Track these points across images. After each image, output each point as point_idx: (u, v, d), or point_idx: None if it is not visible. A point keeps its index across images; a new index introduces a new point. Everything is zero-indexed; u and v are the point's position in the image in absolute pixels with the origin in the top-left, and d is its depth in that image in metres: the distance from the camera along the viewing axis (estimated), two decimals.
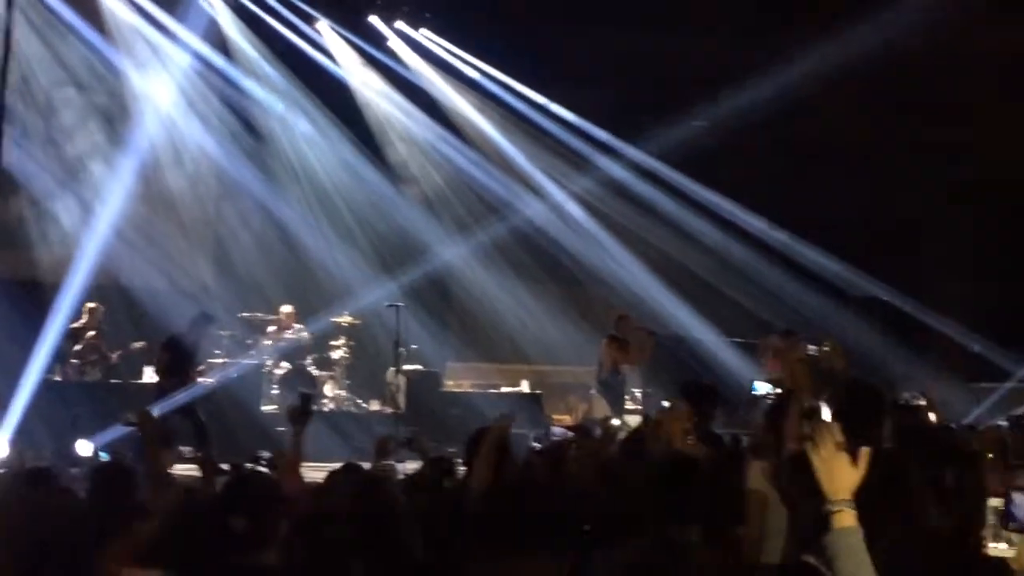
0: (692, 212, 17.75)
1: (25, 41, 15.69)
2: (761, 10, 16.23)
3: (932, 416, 7.45)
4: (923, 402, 7.99)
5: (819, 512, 3.27)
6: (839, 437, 3.28)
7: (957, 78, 16.22)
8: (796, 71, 15.64)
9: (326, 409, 15.56)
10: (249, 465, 6.78)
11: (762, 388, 14.25)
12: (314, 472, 6.54)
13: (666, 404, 5.64)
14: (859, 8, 14.72)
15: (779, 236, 17.59)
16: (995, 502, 5.80)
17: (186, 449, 11.23)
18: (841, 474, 3.23)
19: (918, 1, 14.19)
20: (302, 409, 6.12)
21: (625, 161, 18.08)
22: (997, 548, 5.73)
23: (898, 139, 17.03)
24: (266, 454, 7.28)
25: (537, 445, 8.91)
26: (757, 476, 5.78)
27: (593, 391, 14.84)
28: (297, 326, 16.22)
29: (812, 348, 12.68)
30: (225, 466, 6.45)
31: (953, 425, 9.52)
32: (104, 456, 11.26)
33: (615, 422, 7.95)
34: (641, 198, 17.95)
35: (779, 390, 13.53)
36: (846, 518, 3.20)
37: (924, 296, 17.02)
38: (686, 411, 6.13)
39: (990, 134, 16.22)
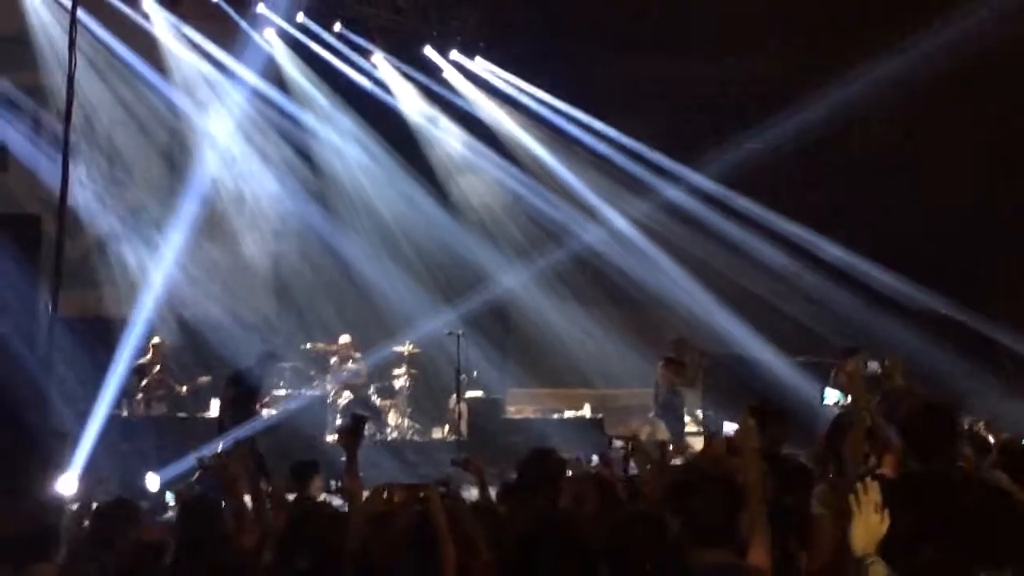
0: (750, 232, 17.66)
1: (87, 82, 15.98)
2: (814, 30, 16.17)
3: None
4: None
5: None
6: (878, 497, 3.70)
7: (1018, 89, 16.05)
8: (852, 89, 15.56)
9: (389, 438, 15.63)
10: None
11: (832, 397, 14.17)
12: None
13: (731, 425, 5.56)
14: (915, 22, 14.64)
15: (839, 253, 17.44)
16: None
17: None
18: (874, 530, 3.68)
19: (979, 13, 14.08)
20: (353, 429, 6.08)
21: (682, 184, 18.04)
22: None
23: (960, 152, 16.84)
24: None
25: (596, 460, 8.89)
26: (818, 499, 5.73)
27: (652, 414, 14.79)
28: (356, 355, 16.31)
29: (874, 364, 12.55)
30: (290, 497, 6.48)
31: None
32: (169, 493, 11.43)
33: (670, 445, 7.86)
34: (698, 220, 17.89)
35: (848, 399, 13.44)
36: (878, 570, 3.65)
37: (990, 311, 16.79)
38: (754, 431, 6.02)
39: None
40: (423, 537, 4.75)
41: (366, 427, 14.48)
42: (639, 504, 5.71)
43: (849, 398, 13.57)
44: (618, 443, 6.43)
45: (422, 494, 5.14)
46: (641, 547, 4.20)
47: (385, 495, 5.32)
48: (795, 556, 5.01)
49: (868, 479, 3.75)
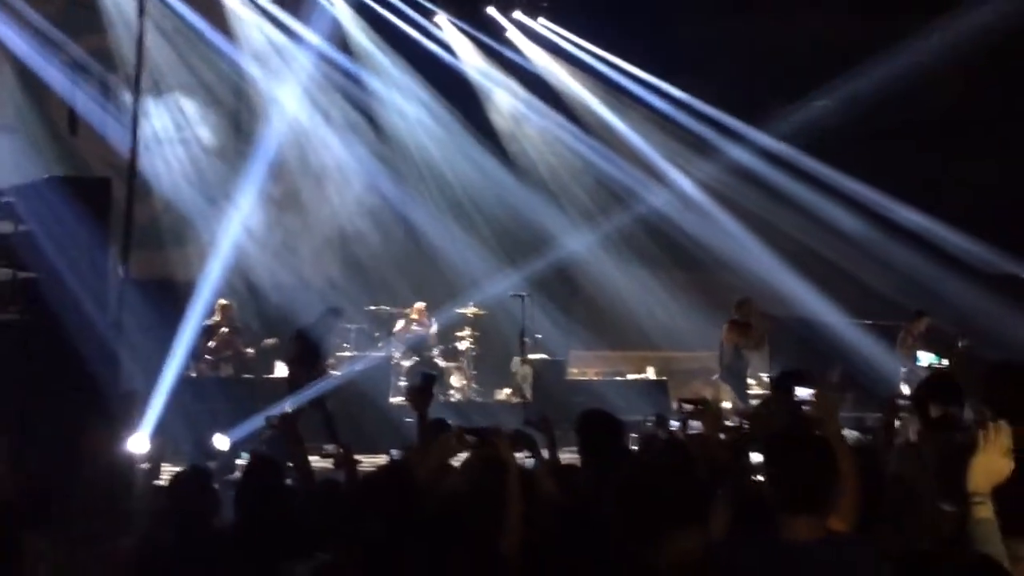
0: (819, 193, 17.45)
1: (155, 47, 16.12)
2: None
3: None
4: None
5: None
6: (1008, 441, 3.56)
7: None
8: (923, 45, 15.30)
9: (453, 400, 15.71)
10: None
11: (925, 359, 14.06)
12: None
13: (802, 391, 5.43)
14: None
15: (908, 214, 17.19)
16: None
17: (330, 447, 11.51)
18: (992, 474, 3.53)
19: None
20: (422, 387, 6.03)
21: (749, 145, 17.86)
22: None
23: None
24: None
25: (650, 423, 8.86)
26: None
27: (716, 376, 14.76)
28: (425, 320, 16.40)
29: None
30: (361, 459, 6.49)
31: None
32: (243, 452, 11.58)
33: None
34: (765, 181, 17.71)
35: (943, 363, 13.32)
36: (985, 510, 3.49)
37: None
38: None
39: None
40: (489, 479, 4.73)
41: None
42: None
43: (943, 361, 13.48)
44: (688, 406, 6.35)
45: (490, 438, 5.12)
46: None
47: (455, 441, 5.29)
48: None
49: (1001, 422, 3.63)
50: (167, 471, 9.38)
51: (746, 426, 5.92)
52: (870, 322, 16.12)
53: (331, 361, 14.30)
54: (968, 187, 16.73)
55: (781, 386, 6.19)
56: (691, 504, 3.96)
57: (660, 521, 3.89)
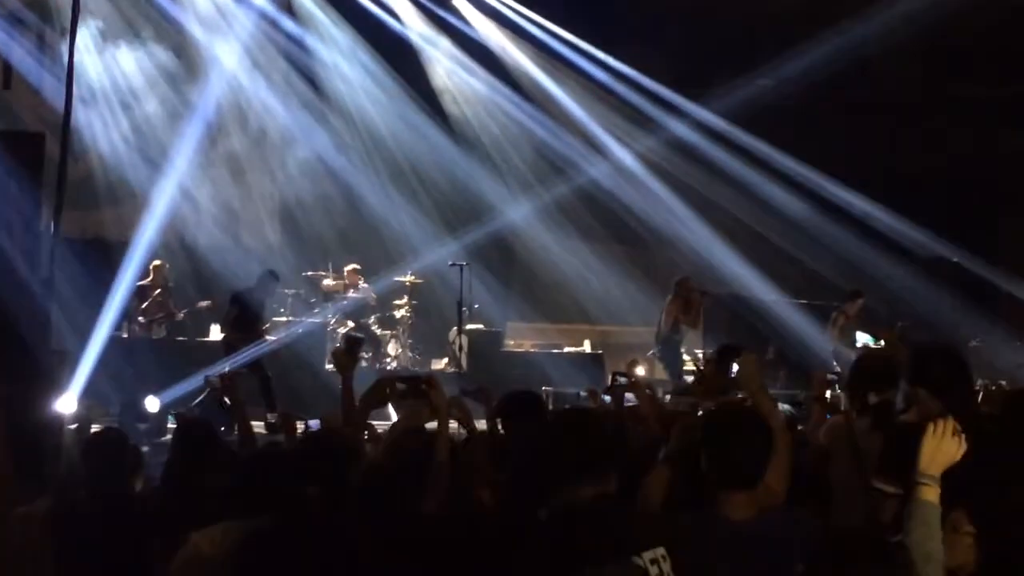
0: (758, 172, 17.55)
1: (94, 1, 15.83)
2: None
3: None
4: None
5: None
6: (957, 426, 3.56)
7: None
8: (865, 25, 15.40)
9: (389, 368, 15.65)
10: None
11: (862, 340, 14.21)
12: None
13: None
14: None
15: (846, 195, 17.35)
16: None
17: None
18: (943, 456, 3.52)
19: None
20: (348, 351, 5.93)
21: (690, 120, 17.89)
22: None
23: (973, 95, 16.70)
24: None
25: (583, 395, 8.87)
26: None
27: (652, 352, 14.83)
28: (362, 285, 16.28)
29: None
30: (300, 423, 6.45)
31: None
32: (170, 416, 11.47)
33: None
34: (706, 157, 17.76)
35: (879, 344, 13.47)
36: (931, 492, 3.48)
37: (995, 258, 16.76)
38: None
39: None
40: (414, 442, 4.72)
41: (364, 354, 14.59)
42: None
43: (881, 343, 13.65)
44: (621, 379, 6.36)
45: (424, 384, 5.08)
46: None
47: (388, 390, 5.26)
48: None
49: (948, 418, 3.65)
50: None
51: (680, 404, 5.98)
52: (805, 301, 16.27)
53: (268, 326, 14.17)
54: (905, 169, 16.93)
55: (721, 360, 6.22)
56: (585, 459, 3.92)
57: (553, 473, 3.93)
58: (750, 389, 4.84)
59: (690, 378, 14.49)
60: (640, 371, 8.07)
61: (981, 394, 7.69)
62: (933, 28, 14.97)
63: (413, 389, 5.10)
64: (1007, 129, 16.71)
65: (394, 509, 4.32)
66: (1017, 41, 15.92)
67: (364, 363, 15.47)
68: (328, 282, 16.38)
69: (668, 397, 8.40)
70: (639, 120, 18.16)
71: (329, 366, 14.80)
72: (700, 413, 5.56)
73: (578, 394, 11.60)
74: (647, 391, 6.41)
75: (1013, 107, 16.45)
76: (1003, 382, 12.29)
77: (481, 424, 5.92)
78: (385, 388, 5.27)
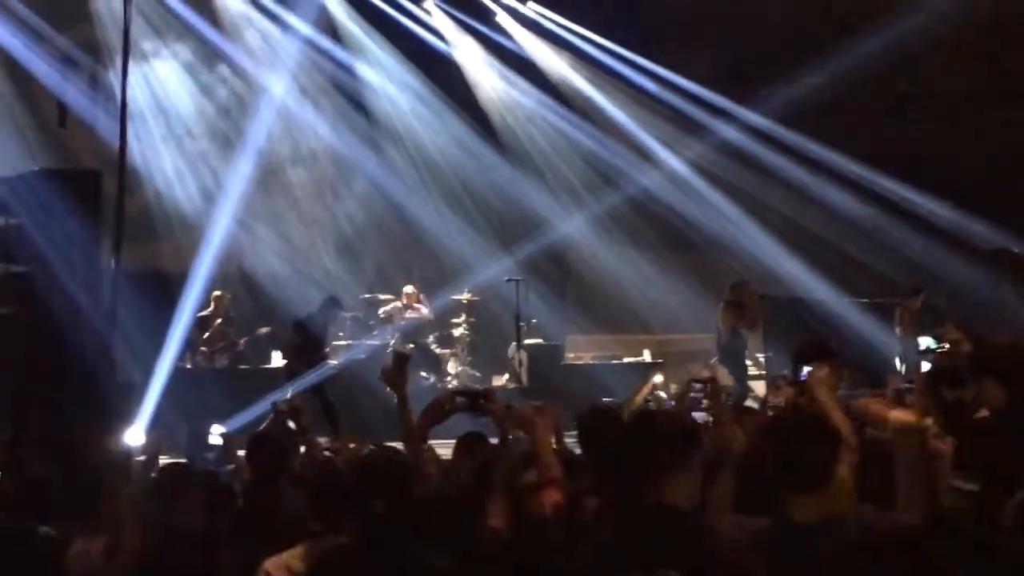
0: (810, 171, 17.42)
1: (143, 37, 16.06)
2: None
3: None
4: None
5: None
6: None
7: None
8: (917, 21, 15.24)
9: (450, 386, 15.68)
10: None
11: (924, 343, 14.01)
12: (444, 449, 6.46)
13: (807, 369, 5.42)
14: None
15: (903, 191, 17.16)
16: None
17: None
18: None
19: None
20: (396, 368, 5.80)
21: (738, 123, 17.81)
22: None
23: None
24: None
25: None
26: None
27: (715, 359, 14.73)
28: (420, 304, 16.35)
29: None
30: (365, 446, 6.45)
31: None
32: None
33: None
34: (756, 160, 17.67)
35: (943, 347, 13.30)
36: None
37: None
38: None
39: None
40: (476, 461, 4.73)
41: (423, 374, 14.62)
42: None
43: (944, 345, 13.49)
44: (697, 385, 6.30)
45: (482, 399, 5.09)
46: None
47: (448, 407, 5.25)
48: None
49: None
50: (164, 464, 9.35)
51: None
52: (865, 300, 16.09)
53: (328, 350, 14.26)
54: (961, 162, 16.70)
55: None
56: (680, 449, 4.02)
57: (650, 462, 3.99)
58: (820, 393, 4.82)
59: (756, 383, 14.42)
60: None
61: None
62: (985, 17, 14.81)
63: (472, 404, 5.10)
64: None
65: (458, 525, 4.32)
66: None
67: (426, 382, 15.53)
68: (387, 304, 16.46)
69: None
70: (687, 126, 18.11)
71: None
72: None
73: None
74: (718, 395, 6.36)
75: None
76: None
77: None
78: (444, 404, 5.27)
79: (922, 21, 15.15)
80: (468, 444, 5.77)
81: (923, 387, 6.19)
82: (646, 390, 7.41)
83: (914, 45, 15.41)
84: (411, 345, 16.04)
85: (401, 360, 5.90)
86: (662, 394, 6.41)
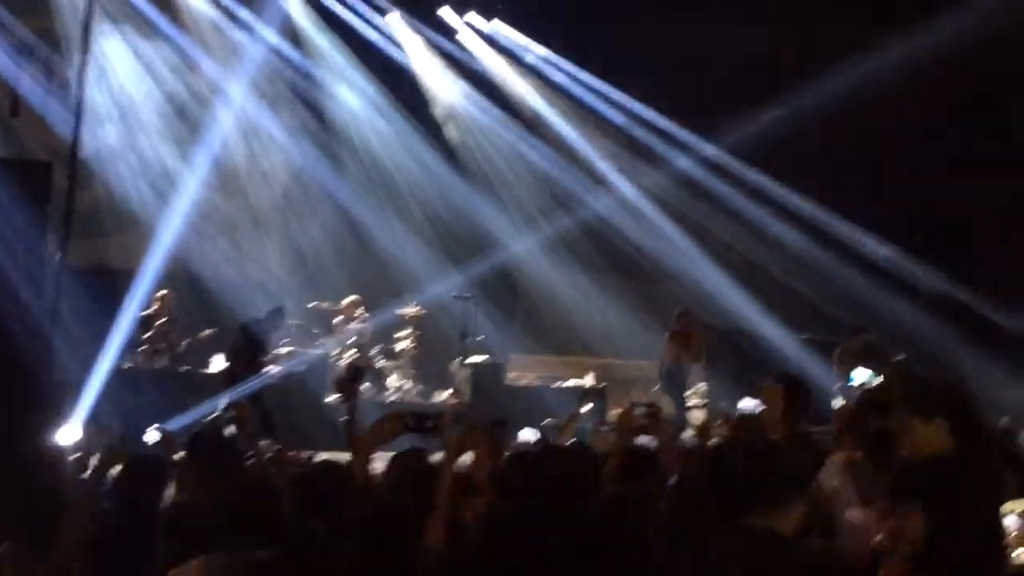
0: (762, 207, 17.59)
1: (102, 33, 15.93)
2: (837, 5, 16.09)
3: None
4: None
5: None
6: None
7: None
8: (870, 65, 15.45)
9: (391, 400, 15.63)
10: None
11: (860, 377, 14.12)
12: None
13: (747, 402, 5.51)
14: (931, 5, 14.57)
15: (851, 231, 17.37)
16: None
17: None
18: None
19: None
20: (351, 380, 5.85)
21: (694, 154, 17.96)
22: None
23: (977, 131, 16.74)
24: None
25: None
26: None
27: (657, 387, 14.81)
28: (363, 316, 16.28)
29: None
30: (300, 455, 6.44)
31: None
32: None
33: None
34: (709, 191, 17.82)
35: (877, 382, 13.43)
36: None
37: (999, 295, 16.75)
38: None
39: None
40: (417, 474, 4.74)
41: (366, 384, 14.57)
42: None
43: (879, 379, 13.62)
44: (639, 410, 6.33)
45: (431, 423, 5.08)
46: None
47: (398, 426, 5.23)
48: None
49: None
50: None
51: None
52: (808, 336, 16.24)
53: (270, 358, 14.17)
54: (909, 204, 16.94)
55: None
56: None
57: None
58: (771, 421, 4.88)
59: (694, 413, 14.50)
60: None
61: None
62: (940, 66, 15.04)
63: (419, 427, 5.10)
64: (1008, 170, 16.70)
65: (396, 542, 4.33)
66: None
67: (368, 395, 15.47)
68: (331, 314, 16.38)
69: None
70: (643, 153, 18.22)
71: (330, 398, 14.82)
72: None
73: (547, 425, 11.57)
74: (664, 422, 6.41)
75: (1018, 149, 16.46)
76: (1005, 419, 12.25)
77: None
78: (395, 423, 5.26)
79: (877, 64, 15.38)
80: (406, 462, 5.76)
81: (843, 422, 6.25)
82: (575, 422, 7.51)
83: (869, 87, 15.63)
84: (353, 356, 15.97)
85: (356, 372, 5.91)
86: (593, 425, 6.40)
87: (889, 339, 15.92)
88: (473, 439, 5.37)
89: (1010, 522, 3.75)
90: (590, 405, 8.89)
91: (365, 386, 15.42)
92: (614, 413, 14.14)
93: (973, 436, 4.82)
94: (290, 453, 7.04)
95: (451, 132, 18.71)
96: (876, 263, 17.16)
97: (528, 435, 8.49)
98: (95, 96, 15.97)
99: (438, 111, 18.69)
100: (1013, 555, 3.72)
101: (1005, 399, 14.69)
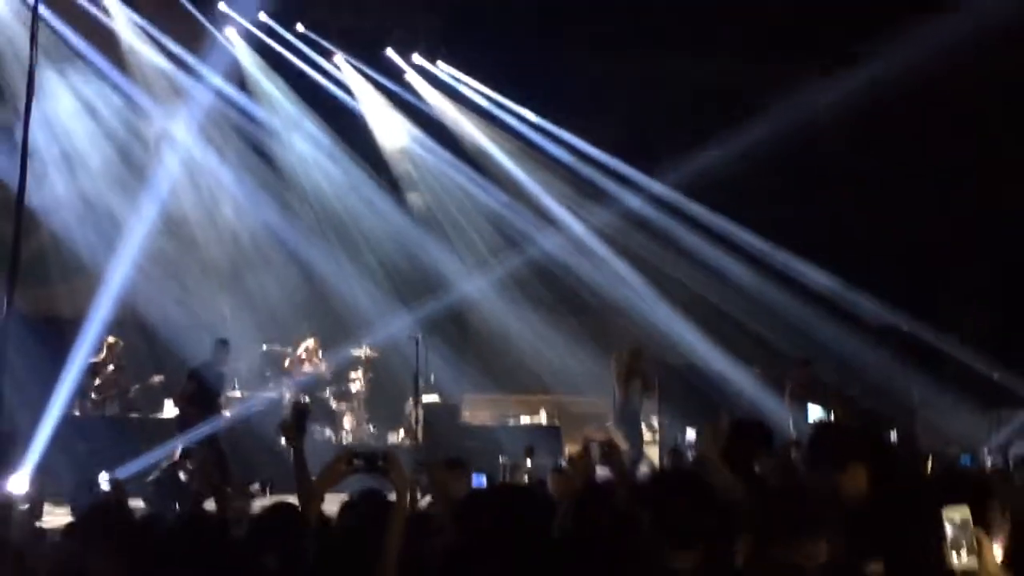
0: (709, 242, 17.77)
1: (47, 79, 15.85)
2: (782, 38, 16.30)
3: None
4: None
5: None
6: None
7: (977, 106, 16.29)
8: (815, 99, 15.69)
9: (345, 441, 15.59)
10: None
11: (815, 414, 14.25)
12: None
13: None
14: (877, 36, 14.81)
15: (796, 265, 17.57)
16: None
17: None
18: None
19: (935, 29, 14.23)
20: (295, 422, 5.82)
21: (642, 192, 18.12)
22: None
23: (916, 166, 17.01)
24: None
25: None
26: None
27: (610, 423, 14.86)
28: (317, 360, 16.24)
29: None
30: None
31: None
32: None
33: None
34: (658, 229, 17.98)
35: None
36: None
37: (943, 324, 16.98)
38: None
39: (1002, 157, 16.29)
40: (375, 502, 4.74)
41: (317, 426, 14.51)
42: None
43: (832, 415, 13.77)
44: (595, 446, 6.36)
45: (381, 461, 5.09)
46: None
47: (346, 465, 5.23)
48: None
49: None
50: (48, 512, 9.18)
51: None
52: (758, 370, 16.38)
53: (223, 400, 14.08)
54: (855, 240, 17.17)
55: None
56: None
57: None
58: (708, 456, 4.93)
59: (650, 448, 14.57)
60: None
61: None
62: (877, 98, 15.32)
63: (370, 465, 5.09)
64: (954, 195, 16.99)
65: None
66: (961, 108, 16.32)
67: (322, 437, 15.43)
68: (284, 357, 16.32)
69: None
70: (591, 192, 18.36)
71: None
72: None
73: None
74: (620, 459, 6.43)
75: (956, 175, 16.76)
76: (953, 447, 12.43)
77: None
78: (343, 463, 5.25)
79: (823, 102, 15.64)
80: (363, 501, 5.76)
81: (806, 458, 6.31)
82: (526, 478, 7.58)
83: (816, 124, 15.88)
84: (307, 399, 15.91)
85: (300, 414, 5.89)
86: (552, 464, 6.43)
87: (836, 371, 16.13)
88: (436, 477, 5.40)
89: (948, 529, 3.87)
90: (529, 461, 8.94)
91: (317, 428, 15.40)
92: (570, 450, 14.25)
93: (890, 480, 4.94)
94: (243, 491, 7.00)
95: (401, 174, 18.79)
96: (823, 295, 17.35)
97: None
98: (40, 143, 15.87)
99: (387, 153, 18.75)
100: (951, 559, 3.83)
101: (953, 426, 14.93)
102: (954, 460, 10.44)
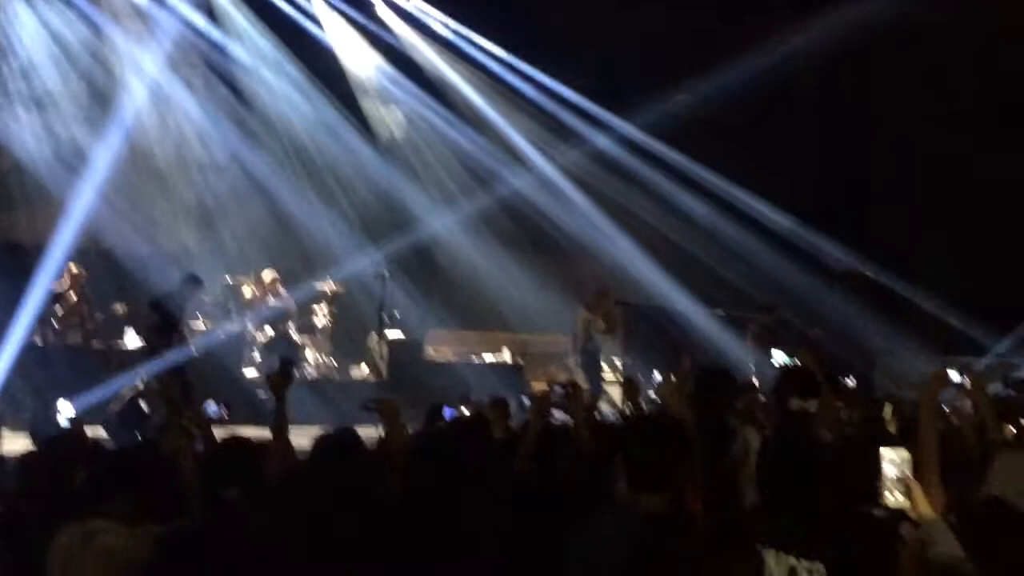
0: (677, 185, 17.79)
1: (9, 5, 15.62)
2: None
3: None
4: None
5: None
6: None
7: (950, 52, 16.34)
8: (788, 45, 15.70)
9: (309, 376, 15.59)
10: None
11: (779, 358, 14.36)
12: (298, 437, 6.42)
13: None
14: None
15: (762, 208, 17.65)
16: None
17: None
18: None
19: None
20: (282, 374, 5.93)
21: (611, 132, 18.09)
22: None
23: (880, 110, 17.08)
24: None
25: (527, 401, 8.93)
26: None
27: (571, 361, 14.94)
28: (282, 293, 16.18)
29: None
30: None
31: None
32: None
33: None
34: (626, 170, 17.97)
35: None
36: None
37: (905, 271, 17.13)
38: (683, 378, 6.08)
39: (963, 107, 16.38)
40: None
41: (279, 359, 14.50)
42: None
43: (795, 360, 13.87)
44: (559, 388, 6.39)
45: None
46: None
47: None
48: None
49: None
50: (7, 438, 9.15)
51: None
52: (722, 312, 16.48)
53: (186, 331, 14.02)
54: (820, 185, 17.24)
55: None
56: None
57: None
58: (671, 402, 4.99)
59: (610, 388, 14.66)
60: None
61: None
62: (844, 45, 15.34)
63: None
64: (927, 142, 17.05)
65: (314, 511, 4.36)
66: (932, 57, 16.37)
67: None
68: (247, 289, 16.25)
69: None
70: (561, 132, 18.31)
71: (247, 373, 14.75)
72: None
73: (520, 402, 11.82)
74: (581, 399, 6.48)
75: (928, 122, 16.82)
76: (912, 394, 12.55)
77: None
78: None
79: (795, 49, 15.65)
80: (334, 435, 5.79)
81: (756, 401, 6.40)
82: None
83: (785, 71, 15.87)
84: (271, 332, 15.89)
85: (286, 366, 5.99)
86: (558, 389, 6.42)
87: (800, 316, 16.25)
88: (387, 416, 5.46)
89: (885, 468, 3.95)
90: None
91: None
92: (533, 388, 14.33)
93: None
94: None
95: (370, 109, 18.66)
96: (788, 240, 17.45)
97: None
98: (3, 71, 15.65)
99: (356, 87, 18.60)
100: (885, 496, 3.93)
101: (914, 371, 15.10)
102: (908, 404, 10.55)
